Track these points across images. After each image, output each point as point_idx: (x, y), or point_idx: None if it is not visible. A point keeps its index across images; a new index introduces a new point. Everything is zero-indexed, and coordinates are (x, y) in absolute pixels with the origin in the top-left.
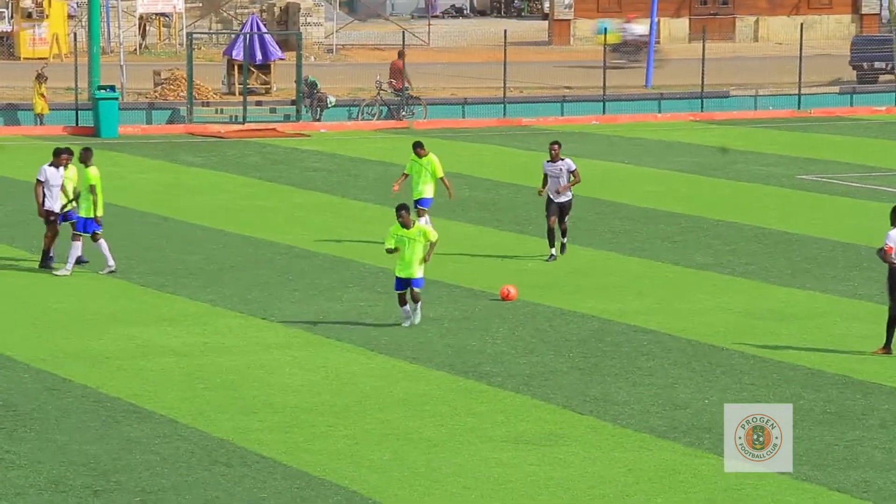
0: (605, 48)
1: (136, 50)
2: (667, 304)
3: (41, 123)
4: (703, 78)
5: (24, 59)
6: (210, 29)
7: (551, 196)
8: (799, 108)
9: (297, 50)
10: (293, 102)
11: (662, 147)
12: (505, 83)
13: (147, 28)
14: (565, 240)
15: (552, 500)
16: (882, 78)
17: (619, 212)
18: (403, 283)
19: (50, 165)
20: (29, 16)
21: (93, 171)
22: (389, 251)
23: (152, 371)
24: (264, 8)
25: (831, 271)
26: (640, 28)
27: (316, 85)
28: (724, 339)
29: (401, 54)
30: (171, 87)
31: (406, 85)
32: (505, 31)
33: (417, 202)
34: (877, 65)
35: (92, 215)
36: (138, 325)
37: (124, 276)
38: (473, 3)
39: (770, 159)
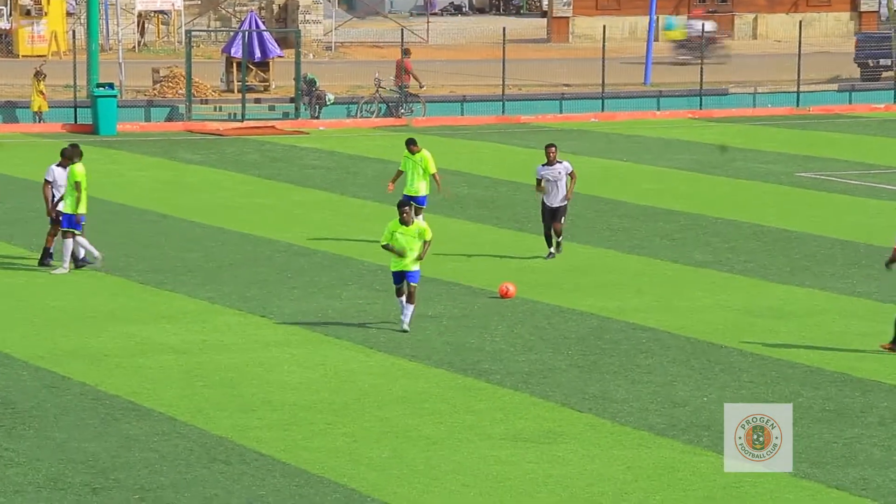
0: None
1: (134, 47)
2: (665, 302)
3: (40, 121)
4: (701, 75)
5: (23, 56)
6: (209, 26)
7: (546, 201)
8: (798, 105)
9: (296, 47)
10: (292, 100)
11: (661, 145)
12: (504, 81)
13: (146, 25)
14: (560, 239)
15: (551, 498)
16: (884, 75)
17: (617, 209)
18: (399, 277)
19: (58, 165)
20: (27, 13)
21: (79, 169)
22: (385, 248)
23: (151, 369)
24: (263, 5)
25: (830, 269)
26: (705, 24)
27: (315, 82)
28: (723, 336)
29: (407, 52)
30: (170, 84)
31: (413, 83)
32: (504, 29)
33: (413, 199)
34: (882, 62)
35: (74, 212)
36: (137, 322)
37: (123, 274)
38: (472, 1)
39: (769, 157)
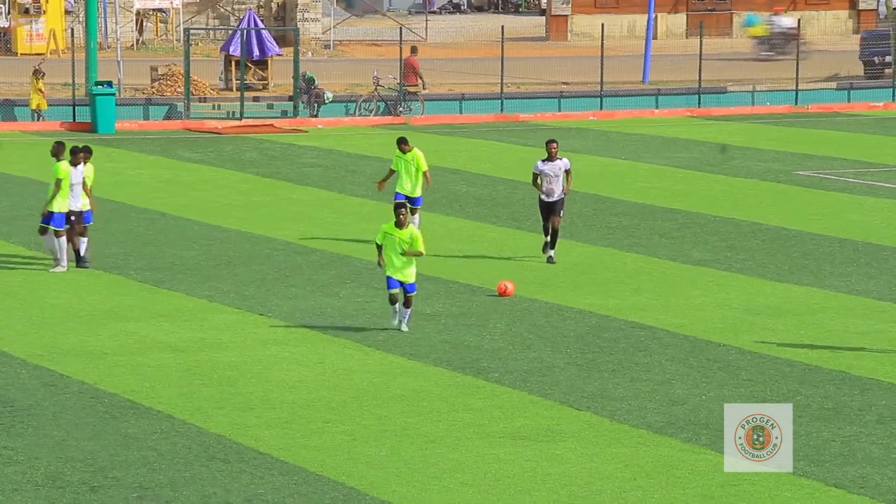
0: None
1: (133, 46)
2: (664, 300)
3: (39, 119)
4: (700, 74)
5: (21, 54)
6: (207, 25)
7: (542, 197)
8: (796, 104)
9: (295, 46)
10: (290, 98)
11: (660, 143)
12: (502, 79)
13: (144, 24)
14: (553, 252)
15: (549, 496)
16: (887, 72)
17: (616, 208)
18: (395, 282)
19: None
20: (26, 11)
21: (63, 166)
22: (378, 247)
23: (149, 367)
24: (261, 4)
25: (828, 267)
26: (787, 20)
27: (313, 81)
28: (722, 334)
29: (414, 50)
30: (169, 82)
31: (419, 82)
32: (502, 27)
33: (410, 200)
34: (888, 59)
35: (54, 209)
36: (135, 320)
37: (121, 272)
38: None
39: (767, 155)
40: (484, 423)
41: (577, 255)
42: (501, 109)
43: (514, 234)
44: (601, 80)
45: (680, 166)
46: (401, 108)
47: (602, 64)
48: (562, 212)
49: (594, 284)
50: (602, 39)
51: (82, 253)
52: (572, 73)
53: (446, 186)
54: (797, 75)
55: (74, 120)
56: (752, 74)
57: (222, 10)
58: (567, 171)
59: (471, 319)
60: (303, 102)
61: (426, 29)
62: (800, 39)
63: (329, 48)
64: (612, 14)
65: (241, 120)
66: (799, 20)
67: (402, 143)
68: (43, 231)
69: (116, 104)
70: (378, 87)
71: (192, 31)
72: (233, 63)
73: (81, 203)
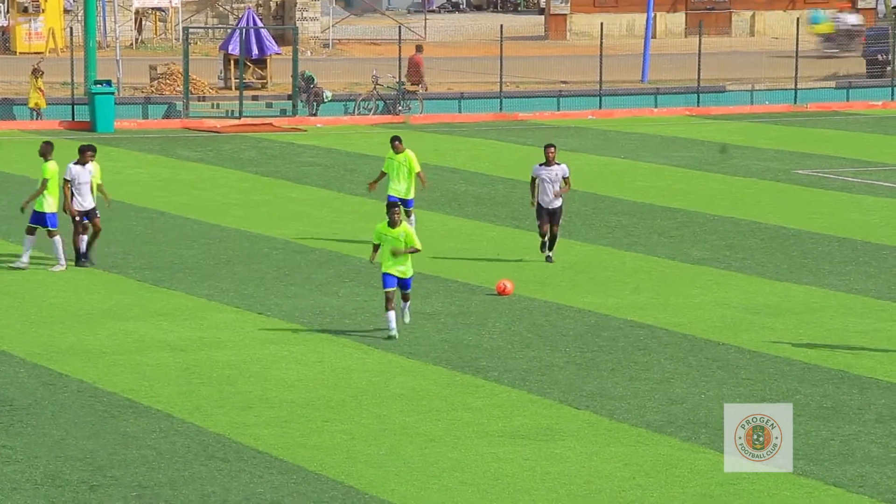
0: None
1: (132, 45)
2: (663, 299)
3: (38, 118)
4: (699, 73)
5: (20, 53)
6: (206, 24)
7: (541, 203)
8: (795, 103)
9: (294, 45)
10: (289, 97)
11: (658, 142)
12: (501, 78)
13: (143, 22)
14: (552, 253)
15: (549, 495)
16: (888, 69)
17: (615, 207)
18: (391, 279)
19: (76, 163)
20: (25, 10)
21: (51, 166)
22: (375, 247)
23: (148, 366)
24: (260, 3)
25: (827, 266)
26: (852, 18)
27: (312, 80)
28: (721, 333)
29: (419, 48)
30: (168, 81)
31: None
32: (501, 26)
33: (403, 202)
34: (891, 56)
35: (45, 210)
36: (134, 319)
37: (120, 271)
38: None
39: (766, 154)
40: (483, 421)
41: (576, 254)
42: (500, 108)
43: (513, 233)
44: (600, 79)
45: (679, 165)
46: (400, 107)
47: (601, 63)
48: (560, 220)
49: (593, 283)
50: (601, 38)
51: (83, 249)
52: (571, 73)
53: (445, 185)
54: (796, 74)
55: (73, 119)
56: (750, 73)
57: (221, 8)
58: (565, 179)
59: (470, 318)
60: (302, 101)
61: (425, 28)
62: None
63: (328, 47)
64: (611, 13)
65: (240, 119)
66: (863, 17)
67: (395, 142)
68: (30, 231)
69: (115, 103)
70: (377, 86)
71: (190, 30)
72: (232, 62)
73: (90, 202)
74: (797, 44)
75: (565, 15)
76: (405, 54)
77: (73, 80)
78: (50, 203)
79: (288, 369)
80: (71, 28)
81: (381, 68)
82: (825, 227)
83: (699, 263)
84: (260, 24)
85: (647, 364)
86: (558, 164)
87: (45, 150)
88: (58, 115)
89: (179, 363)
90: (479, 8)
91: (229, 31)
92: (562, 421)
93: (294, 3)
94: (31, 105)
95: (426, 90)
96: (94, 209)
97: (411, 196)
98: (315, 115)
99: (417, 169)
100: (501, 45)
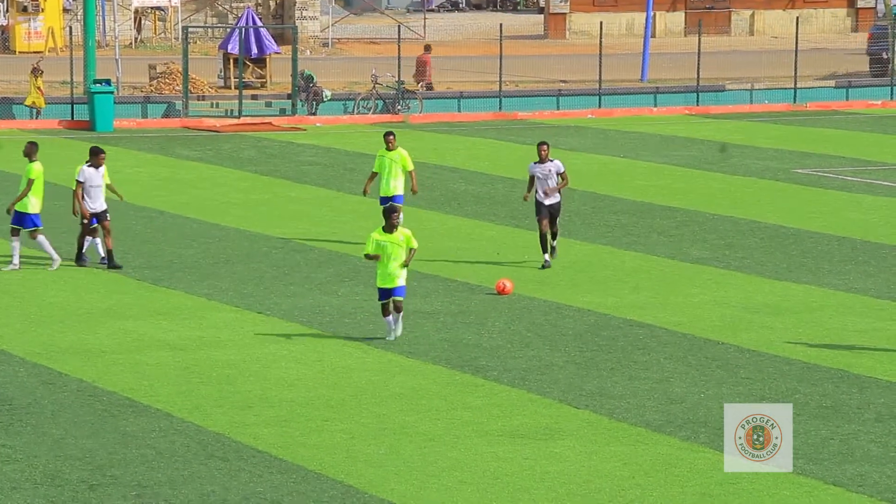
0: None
1: (131, 44)
2: (662, 299)
3: (38, 117)
4: (698, 72)
5: (20, 52)
6: (205, 23)
7: (539, 199)
8: (795, 102)
9: (293, 44)
10: (289, 96)
11: (658, 141)
12: (501, 77)
13: (142, 22)
14: (555, 242)
15: (548, 494)
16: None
17: (614, 206)
18: (386, 293)
19: (89, 166)
20: (24, 9)
21: (36, 167)
22: (368, 257)
23: (148, 365)
24: (260, 2)
25: (827, 265)
26: None
27: (312, 79)
28: (720, 333)
29: (428, 48)
30: (167, 81)
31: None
32: (500, 25)
33: (391, 199)
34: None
35: (29, 210)
36: (134, 319)
37: (119, 270)
38: None
39: (766, 153)
40: (483, 421)
41: (575, 254)
42: (500, 108)
43: (513, 233)
44: (599, 78)
45: (678, 164)
46: (399, 107)
47: (600, 62)
48: (557, 219)
49: (593, 283)
50: (600, 37)
51: (86, 250)
52: (571, 72)
53: (445, 184)
54: (795, 73)
55: (73, 118)
56: (750, 73)
57: (220, 8)
58: (560, 174)
59: (469, 318)
60: (301, 100)
61: (424, 27)
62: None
63: (327, 46)
64: (611, 12)
65: (239, 118)
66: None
67: (389, 136)
68: (14, 232)
69: (115, 102)
70: (376, 85)
71: (190, 30)
72: (231, 61)
73: (101, 203)
74: (797, 43)
75: (565, 14)
76: (413, 53)
77: (72, 80)
78: (34, 204)
79: (287, 368)
80: (70, 27)
81: (380, 67)
82: (824, 226)
83: (698, 262)
84: (259, 23)
85: (646, 363)
86: (551, 160)
87: (30, 151)
88: (57, 114)
89: (179, 362)
90: (478, 7)
91: (229, 30)
92: (561, 420)
93: (293, 3)
94: (28, 103)
95: (431, 89)
96: (104, 211)
97: (401, 192)
98: (314, 114)
99: (411, 167)
100: (501, 44)
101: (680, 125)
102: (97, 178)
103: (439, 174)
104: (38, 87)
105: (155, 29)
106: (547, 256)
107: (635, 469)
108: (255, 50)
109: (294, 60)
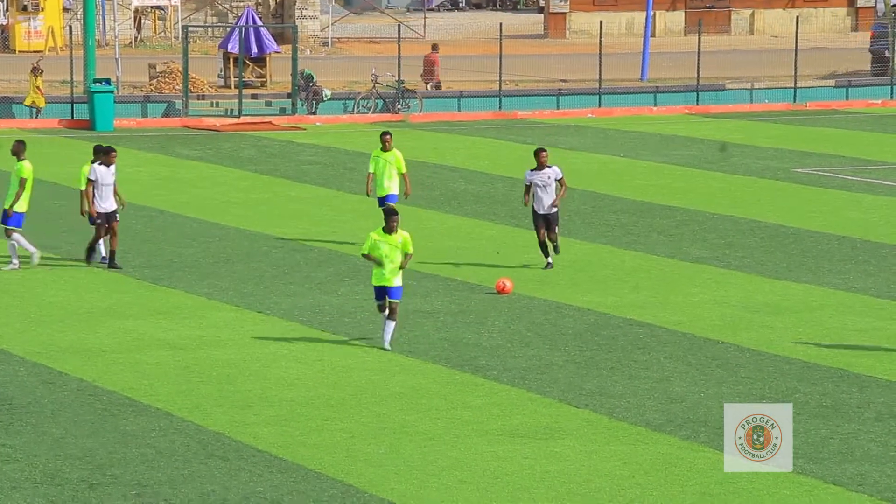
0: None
1: (131, 43)
2: (662, 298)
3: (38, 117)
4: (698, 71)
5: (20, 52)
6: (205, 22)
7: (536, 208)
8: (794, 101)
9: (293, 43)
10: (289, 96)
11: (658, 140)
12: (500, 76)
13: (142, 21)
14: (556, 243)
15: (548, 494)
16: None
17: (614, 205)
18: (381, 293)
19: (100, 164)
20: (24, 9)
21: (27, 165)
22: (366, 257)
23: (148, 364)
24: (260, 1)
25: (827, 264)
26: None
27: (312, 78)
28: (720, 332)
29: (435, 47)
30: (167, 80)
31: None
32: (500, 25)
33: (385, 199)
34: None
35: (16, 209)
36: (134, 318)
37: (119, 270)
38: None
39: (766, 153)
40: (482, 420)
41: (575, 253)
42: (500, 107)
43: (513, 232)
44: (599, 77)
45: (678, 164)
46: (399, 106)
47: (600, 61)
48: (556, 227)
49: (592, 282)
50: (600, 37)
51: (104, 253)
52: (571, 71)
53: (445, 184)
54: (795, 73)
55: (73, 117)
56: (750, 72)
57: (220, 7)
58: (559, 181)
59: (469, 317)
60: (301, 100)
61: (424, 26)
62: None
63: (327, 45)
64: (611, 11)
65: (239, 117)
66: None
67: (386, 136)
68: (8, 232)
69: (115, 101)
70: (376, 85)
71: (190, 29)
72: (231, 60)
73: (111, 203)
74: (796, 42)
75: (565, 13)
76: (413, 53)
77: (72, 79)
78: (20, 203)
79: (287, 368)
80: (70, 26)
81: (380, 67)
82: (824, 225)
83: (698, 262)
84: (259, 22)
85: (646, 363)
86: (549, 167)
87: (18, 150)
88: (57, 113)
89: (179, 362)
90: (478, 6)
91: (228, 29)
92: (561, 419)
93: (293, 2)
94: (28, 103)
95: (440, 89)
96: (114, 212)
97: (395, 192)
98: (314, 113)
99: (404, 170)
100: (501, 43)
101: (680, 124)
102: (108, 176)
103: (439, 173)
104: (38, 87)
105: (155, 28)
106: (549, 258)
107: (635, 468)
108: (255, 49)
109: (294, 60)
